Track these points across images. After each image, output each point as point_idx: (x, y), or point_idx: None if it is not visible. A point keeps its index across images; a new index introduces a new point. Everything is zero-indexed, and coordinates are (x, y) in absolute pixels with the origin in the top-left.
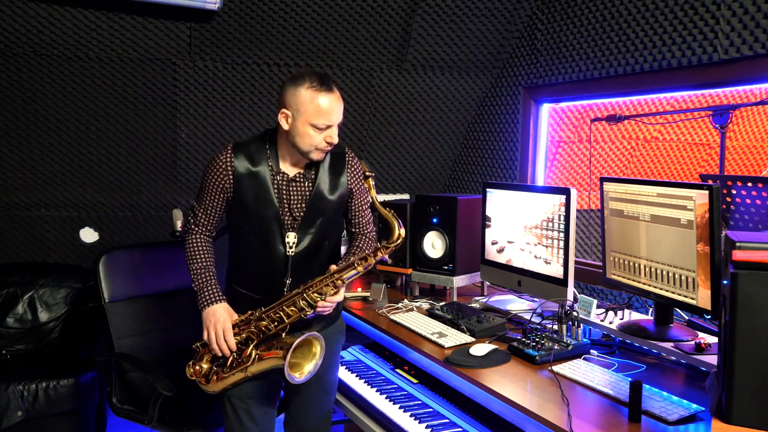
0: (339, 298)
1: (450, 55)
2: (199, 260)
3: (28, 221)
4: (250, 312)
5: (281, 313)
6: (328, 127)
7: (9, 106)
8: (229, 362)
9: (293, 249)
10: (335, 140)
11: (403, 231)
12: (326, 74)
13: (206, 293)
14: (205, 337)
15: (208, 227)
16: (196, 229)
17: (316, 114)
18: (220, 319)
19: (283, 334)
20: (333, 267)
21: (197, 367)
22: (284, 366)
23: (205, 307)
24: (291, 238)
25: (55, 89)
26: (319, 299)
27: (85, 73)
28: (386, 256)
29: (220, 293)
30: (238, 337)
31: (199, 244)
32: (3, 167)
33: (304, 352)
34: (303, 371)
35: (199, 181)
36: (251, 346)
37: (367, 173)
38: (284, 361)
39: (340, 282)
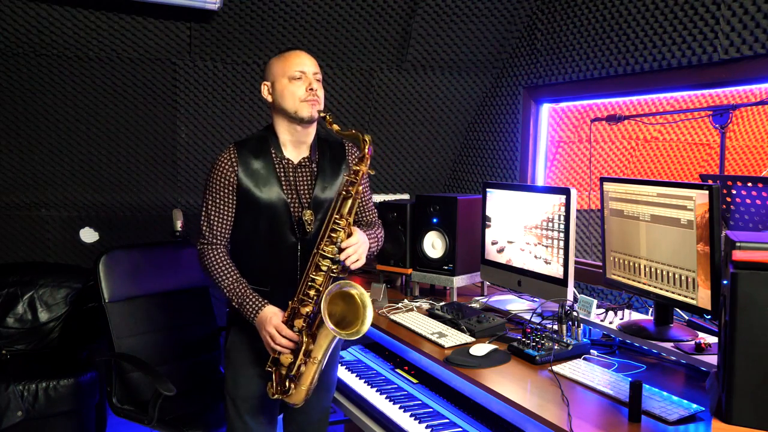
0: (356, 239)
1: (450, 55)
2: (229, 275)
3: (28, 221)
4: (290, 303)
5: (313, 283)
6: (303, 74)
7: (9, 106)
8: (296, 365)
9: (304, 232)
10: (316, 86)
11: (368, 136)
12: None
13: (249, 304)
14: (266, 346)
15: (225, 235)
16: (214, 241)
17: (287, 66)
18: (270, 321)
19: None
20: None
21: (279, 387)
22: (332, 329)
23: (254, 318)
24: (308, 215)
25: (55, 89)
26: (335, 248)
27: (85, 73)
28: (367, 169)
29: (261, 299)
30: (294, 331)
31: (222, 258)
32: (3, 167)
33: (348, 308)
34: (364, 324)
35: (203, 190)
36: (303, 335)
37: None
38: (330, 325)
39: (343, 222)
